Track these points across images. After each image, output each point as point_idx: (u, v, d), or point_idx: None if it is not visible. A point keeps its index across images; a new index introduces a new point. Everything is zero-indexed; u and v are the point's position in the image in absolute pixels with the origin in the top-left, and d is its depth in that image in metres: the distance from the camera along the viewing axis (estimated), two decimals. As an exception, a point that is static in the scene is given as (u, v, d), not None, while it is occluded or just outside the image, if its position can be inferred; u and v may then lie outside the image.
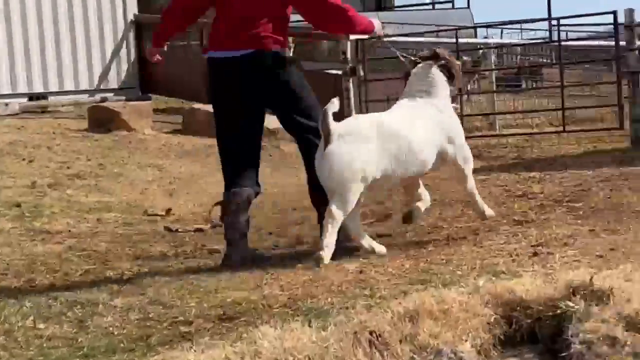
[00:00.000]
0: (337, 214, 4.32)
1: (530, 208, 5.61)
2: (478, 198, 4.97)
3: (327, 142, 4.38)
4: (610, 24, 11.07)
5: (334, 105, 4.38)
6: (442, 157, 4.76)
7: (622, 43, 10.40)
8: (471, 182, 4.90)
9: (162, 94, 13.25)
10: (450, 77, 4.89)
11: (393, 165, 4.52)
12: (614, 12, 10.32)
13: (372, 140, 4.45)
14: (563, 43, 14.07)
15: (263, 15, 4.70)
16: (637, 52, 10.08)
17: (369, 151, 4.42)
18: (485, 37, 20.68)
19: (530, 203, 5.86)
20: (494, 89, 13.34)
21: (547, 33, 23.56)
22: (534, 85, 18.16)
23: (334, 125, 4.38)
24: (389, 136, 4.50)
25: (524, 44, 21.97)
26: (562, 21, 16.80)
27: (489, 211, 4.99)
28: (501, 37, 23.22)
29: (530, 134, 11.21)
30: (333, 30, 5.59)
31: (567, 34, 20.69)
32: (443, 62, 4.87)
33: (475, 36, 16.81)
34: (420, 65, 4.90)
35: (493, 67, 14.18)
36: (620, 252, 3.98)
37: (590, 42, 15.06)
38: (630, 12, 9.97)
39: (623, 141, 10.13)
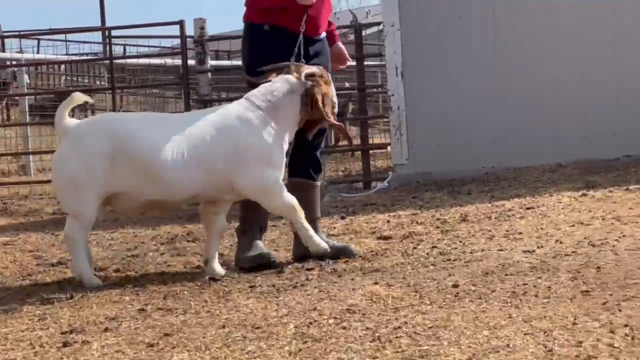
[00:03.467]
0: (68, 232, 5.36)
1: (63, 281, 5.64)
2: None
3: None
4: (176, 36, 11.56)
5: (73, 100, 5.43)
6: None
7: (191, 62, 10.91)
8: None
9: None
10: None
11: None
12: (181, 22, 10.71)
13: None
14: (118, 60, 14.42)
15: None
16: (209, 74, 10.65)
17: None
18: (18, 51, 20.47)
19: (66, 274, 5.87)
20: (27, 120, 13.21)
21: (102, 47, 23.95)
22: (85, 116, 18.33)
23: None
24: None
25: (69, 61, 22.09)
26: (116, 32, 17.18)
27: None
28: (38, 51, 23.07)
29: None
30: None
31: (125, 48, 21.23)
32: None
33: (3, 49, 16.59)
34: None
35: (26, 90, 14.05)
36: (176, 338, 4.10)
37: (153, 59, 15.60)
38: (200, 22, 10.43)
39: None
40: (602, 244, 5.36)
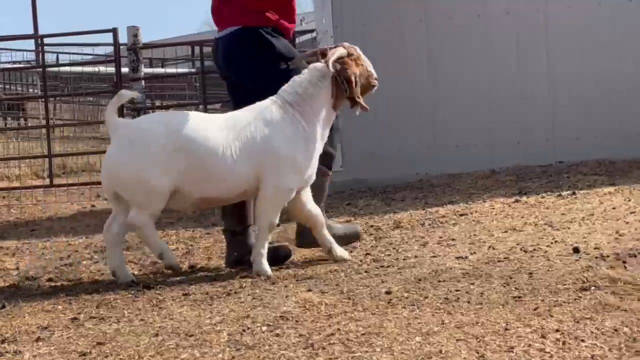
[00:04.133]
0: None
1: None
2: None
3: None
4: (110, 44, 11.48)
5: (121, 97, 5.50)
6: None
7: (125, 70, 10.84)
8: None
9: None
10: None
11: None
12: (114, 30, 10.65)
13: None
14: (51, 68, 14.27)
15: None
16: (143, 82, 10.59)
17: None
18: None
19: (4, 281, 5.87)
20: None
21: (35, 55, 23.67)
22: (18, 124, 18.13)
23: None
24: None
25: (1, 69, 21.79)
26: (49, 39, 16.93)
27: None
28: (-32, 60, 22.78)
29: (8, 189, 11.12)
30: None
31: (58, 56, 21.02)
32: None
33: None
34: None
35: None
36: (109, 347, 4.07)
37: (87, 67, 15.52)
38: (134, 30, 10.37)
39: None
40: (534, 249, 5.42)
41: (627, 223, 6.01)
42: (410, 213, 7.32)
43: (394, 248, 5.96)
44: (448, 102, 9.74)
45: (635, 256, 4.92)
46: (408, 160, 9.60)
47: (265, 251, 5.50)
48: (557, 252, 5.28)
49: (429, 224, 6.80)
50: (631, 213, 6.40)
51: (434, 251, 5.69)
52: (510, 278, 4.71)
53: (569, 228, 6.05)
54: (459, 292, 4.49)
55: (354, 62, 5.69)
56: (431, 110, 9.67)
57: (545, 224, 6.30)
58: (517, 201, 7.46)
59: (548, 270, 4.82)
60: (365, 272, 5.27)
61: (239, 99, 5.88)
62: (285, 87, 5.63)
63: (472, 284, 4.65)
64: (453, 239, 6.04)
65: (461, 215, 7.05)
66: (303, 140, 5.52)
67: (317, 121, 5.59)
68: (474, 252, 5.50)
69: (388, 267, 5.34)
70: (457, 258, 5.37)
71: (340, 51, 5.70)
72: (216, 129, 5.42)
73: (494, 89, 9.77)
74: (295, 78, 5.66)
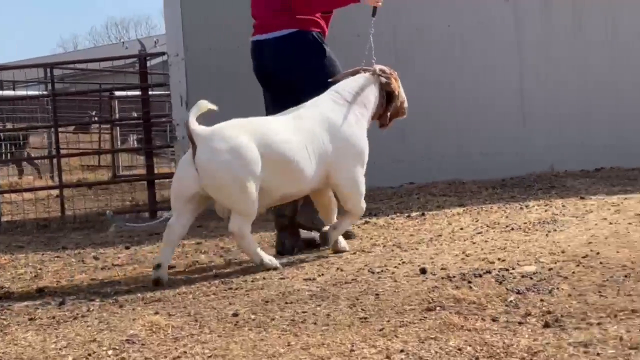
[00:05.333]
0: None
1: None
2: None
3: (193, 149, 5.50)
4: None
5: (200, 107, 5.48)
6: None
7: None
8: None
9: None
10: None
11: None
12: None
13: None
14: None
15: None
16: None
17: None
18: None
19: None
20: None
21: None
22: None
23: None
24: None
25: None
26: None
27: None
28: None
29: None
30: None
31: None
32: None
33: None
34: None
35: None
36: None
37: None
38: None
39: None
40: (382, 270, 5.45)
41: (474, 243, 6.11)
42: (260, 235, 7.29)
43: (242, 270, 5.94)
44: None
45: (480, 276, 5.00)
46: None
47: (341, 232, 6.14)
48: (405, 272, 5.33)
49: (279, 246, 6.79)
50: (478, 233, 6.52)
51: (282, 273, 5.68)
52: (357, 299, 4.73)
53: (417, 249, 6.12)
54: (305, 314, 4.49)
55: (394, 81, 6.15)
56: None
57: (394, 245, 6.36)
58: (366, 222, 7.53)
59: (395, 291, 4.86)
60: (213, 294, 5.23)
61: (285, 100, 6.19)
62: (340, 85, 5.99)
63: (319, 305, 4.66)
64: (301, 261, 6.05)
65: (311, 237, 7.06)
66: (363, 133, 5.97)
67: (368, 122, 6.08)
68: (322, 274, 5.51)
69: (236, 289, 5.32)
70: (305, 280, 5.37)
71: (384, 67, 6.13)
72: (291, 130, 5.69)
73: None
74: (350, 80, 6.02)
